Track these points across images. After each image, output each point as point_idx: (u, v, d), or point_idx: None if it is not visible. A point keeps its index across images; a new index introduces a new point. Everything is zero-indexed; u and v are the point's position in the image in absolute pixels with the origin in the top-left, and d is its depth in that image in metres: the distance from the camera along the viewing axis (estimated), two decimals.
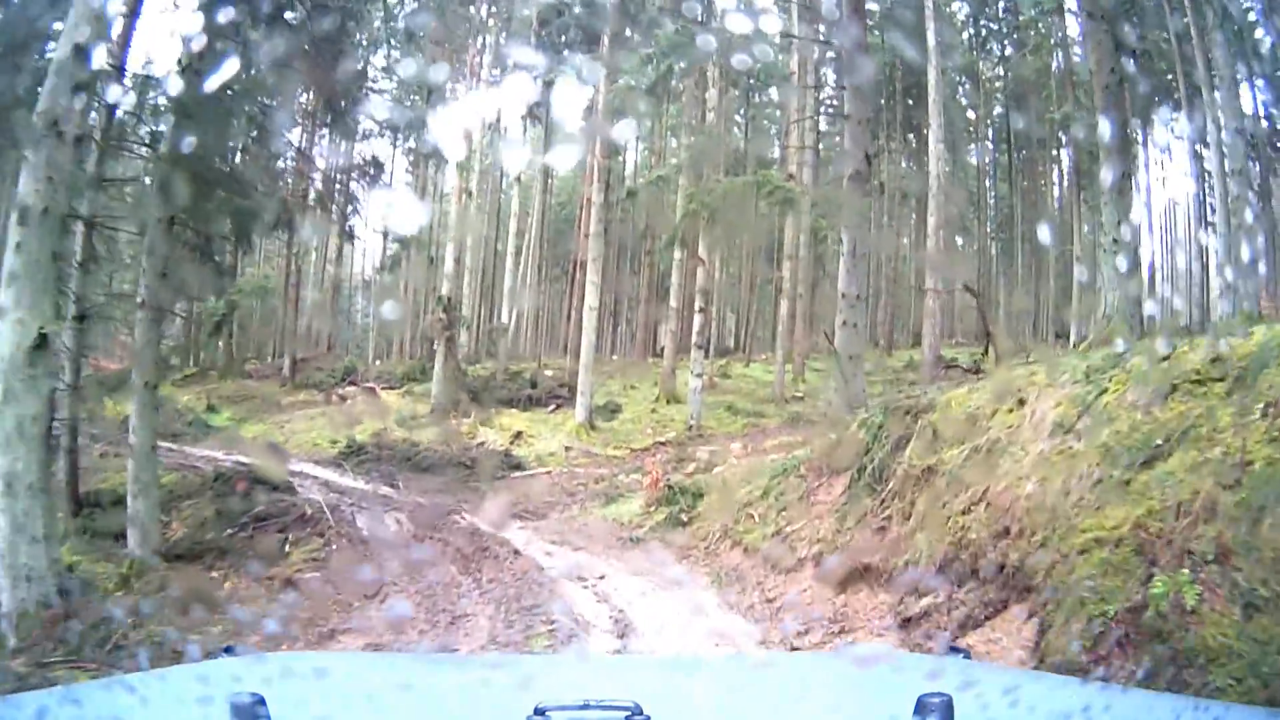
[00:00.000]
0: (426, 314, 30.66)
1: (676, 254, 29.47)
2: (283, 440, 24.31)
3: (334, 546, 14.24)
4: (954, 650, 3.66)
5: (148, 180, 15.90)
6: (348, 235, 24.14)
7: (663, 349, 31.88)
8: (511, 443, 23.47)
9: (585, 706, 2.10)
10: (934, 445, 10.02)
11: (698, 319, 26.54)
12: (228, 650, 3.15)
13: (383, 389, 28.90)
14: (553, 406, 27.09)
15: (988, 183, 40.42)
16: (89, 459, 18.71)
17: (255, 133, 17.26)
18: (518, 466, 21.83)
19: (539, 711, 2.05)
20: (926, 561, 8.92)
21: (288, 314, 30.65)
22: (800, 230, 29.88)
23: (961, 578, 8.39)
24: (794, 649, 9.61)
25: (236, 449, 22.19)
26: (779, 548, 11.75)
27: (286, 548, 14.16)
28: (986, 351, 28.15)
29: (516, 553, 13.52)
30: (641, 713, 2.06)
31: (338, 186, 21.71)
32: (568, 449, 23.28)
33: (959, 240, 37.89)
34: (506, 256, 33.80)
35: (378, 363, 34.61)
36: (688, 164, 28.27)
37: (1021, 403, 9.21)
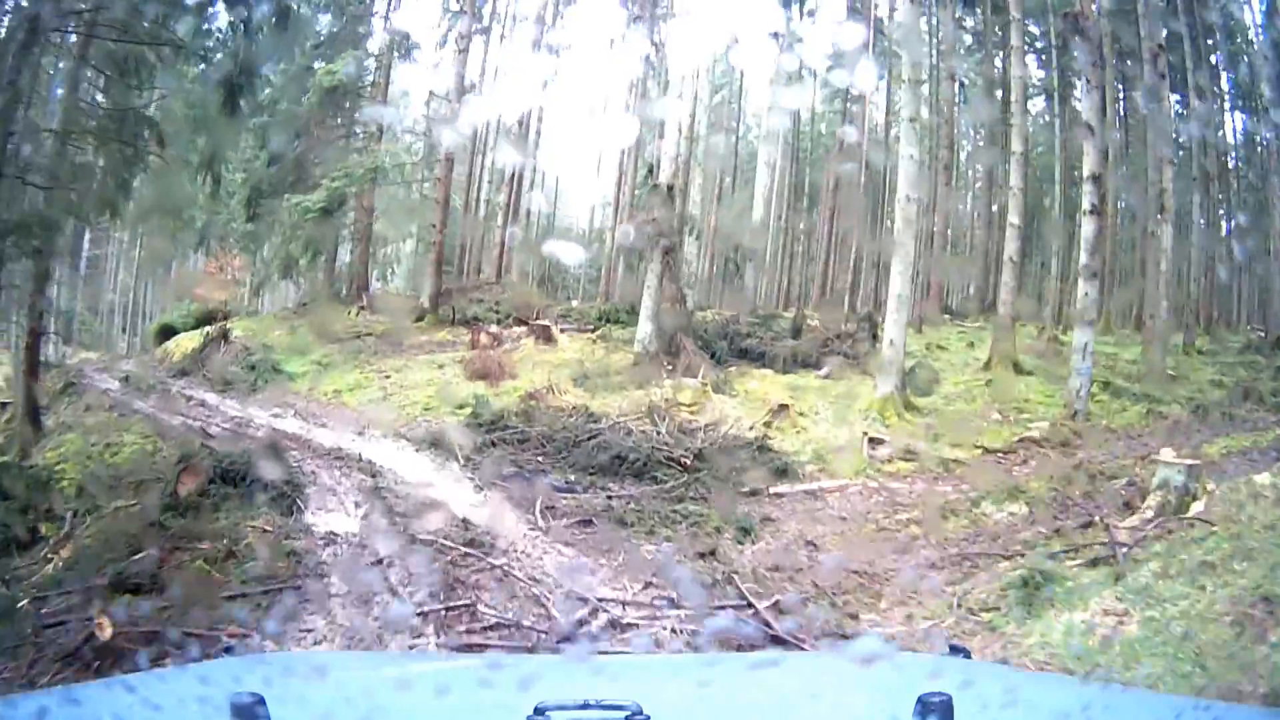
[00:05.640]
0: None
1: (1017, 145, 19.83)
2: (379, 398, 15.26)
3: None
4: (954, 650, 3.33)
5: None
6: None
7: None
8: (768, 425, 13.04)
9: (585, 706, 2.09)
10: None
11: (1088, 226, 16.17)
12: (228, 650, 3.82)
13: (568, 331, 18.97)
14: (827, 369, 16.87)
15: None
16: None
17: None
18: (783, 472, 11.52)
19: (539, 711, 2.05)
20: None
21: (436, 217, 20.99)
22: None
23: None
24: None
25: (294, 410, 14.79)
26: None
27: None
28: None
29: None
30: (641, 713, 2.06)
31: None
32: (872, 444, 12.68)
33: None
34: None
35: (574, 302, 25.33)
36: None
37: None
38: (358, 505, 9.43)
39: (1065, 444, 14.17)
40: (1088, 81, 17.56)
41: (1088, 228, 16.26)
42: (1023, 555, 8.94)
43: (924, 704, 1.96)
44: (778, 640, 6.84)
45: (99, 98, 14.42)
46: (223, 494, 9.15)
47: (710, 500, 10.22)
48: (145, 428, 12.25)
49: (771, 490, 11.06)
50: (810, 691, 2.81)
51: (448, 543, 8.21)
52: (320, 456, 11.03)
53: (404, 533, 8.50)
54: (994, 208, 25.83)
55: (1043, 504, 11.06)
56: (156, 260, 22.80)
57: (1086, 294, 15.92)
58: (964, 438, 14.04)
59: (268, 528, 8.55)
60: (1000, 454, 13.68)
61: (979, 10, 26.14)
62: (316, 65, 20.51)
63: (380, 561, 7.79)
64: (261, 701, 1.94)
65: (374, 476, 10.53)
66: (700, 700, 2.67)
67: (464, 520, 9.00)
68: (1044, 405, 16.24)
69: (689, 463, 11.17)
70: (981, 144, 26.10)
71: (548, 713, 2.03)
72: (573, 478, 11.08)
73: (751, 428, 13.02)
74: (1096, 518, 10.23)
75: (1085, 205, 16.53)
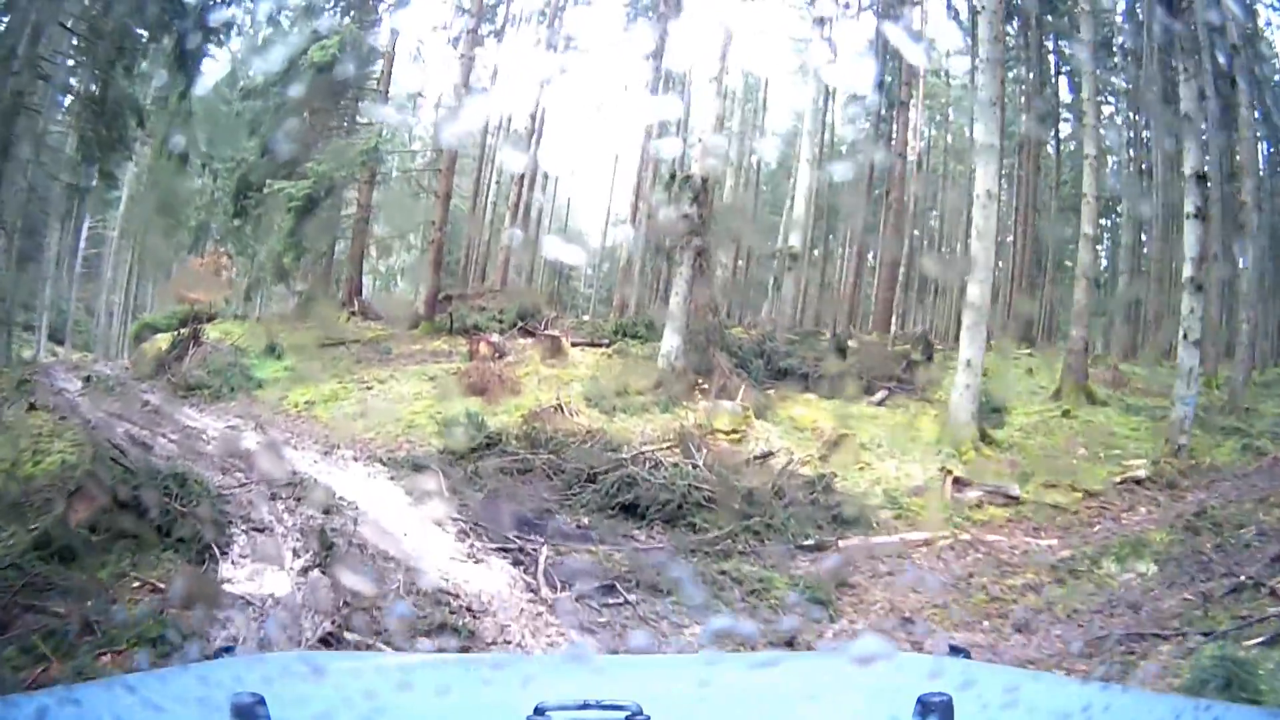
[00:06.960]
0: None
1: (1090, 148, 17.82)
2: (356, 411, 13.17)
3: None
4: (954, 650, 3.24)
5: None
6: None
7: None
8: (824, 459, 10.82)
9: (585, 706, 2.03)
10: None
11: (1191, 232, 14.11)
12: (228, 650, 3.60)
13: (580, 345, 16.94)
14: (881, 395, 14.84)
15: None
16: None
17: None
18: (853, 520, 9.22)
19: (539, 711, 1.99)
20: None
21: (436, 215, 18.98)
22: None
23: None
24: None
25: (256, 422, 13.16)
26: None
27: None
28: None
29: None
30: (641, 713, 1.99)
31: None
32: (956, 485, 10.44)
33: None
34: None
35: (585, 318, 23.38)
36: None
37: None
38: (296, 555, 7.08)
39: (1172, 485, 12.35)
40: (1185, 70, 15.45)
41: (1191, 234, 14.17)
42: (1183, 635, 6.70)
43: (924, 704, 1.89)
44: None
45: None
46: (120, 529, 6.76)
47: (764, 558, 7.88)
48: (79, 435, 10.00)
49: (841, 544, 8.76)
50: (810, 691, 2.74)
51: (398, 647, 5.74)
52: (267, 482, 8.67)
53: (350, 604, 6.13)
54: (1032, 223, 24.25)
55: (1174, 561, 8.92)
56: (152, 260, 21.53)
57: (1192, 310, 13.67)
58: (1057, 478, 11.86)
59: (160, 584, 6.23)
60: (1103, 498, 11.52)
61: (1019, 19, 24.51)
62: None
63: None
64: (261, 701, 1.86)
65: (328, 513, 8.12)
66: (700, 700, 2.58)
67: (438, 588, 6.69)
68: (1132, 439, 14.26)
69: (737, 506, 8.85)
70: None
71: (548, 713, 1.95)
72: (586, 520, 8.81)
73: (806, 462, 10.73)
74: (1242, 577, 8.09)
75: (1189, 208, 14.41)
